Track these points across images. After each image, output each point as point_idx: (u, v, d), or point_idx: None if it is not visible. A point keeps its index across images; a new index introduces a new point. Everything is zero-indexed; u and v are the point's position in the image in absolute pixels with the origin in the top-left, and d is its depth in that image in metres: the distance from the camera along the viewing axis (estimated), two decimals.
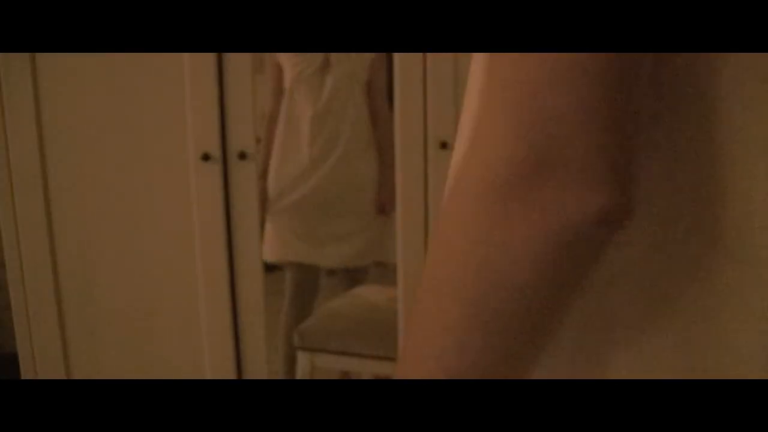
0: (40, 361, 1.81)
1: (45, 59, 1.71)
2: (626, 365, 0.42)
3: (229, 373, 1.89)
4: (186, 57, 1.74)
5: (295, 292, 2.49)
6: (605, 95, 0.34)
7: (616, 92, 0.34)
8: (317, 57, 2.31)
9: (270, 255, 2.41)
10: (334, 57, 2.31)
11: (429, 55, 1.82)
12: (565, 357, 0.44)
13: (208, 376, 1.89)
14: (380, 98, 2.36)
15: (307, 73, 2.32)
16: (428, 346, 0.39)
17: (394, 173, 1.94)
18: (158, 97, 1.76)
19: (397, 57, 1.84)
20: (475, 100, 0.51)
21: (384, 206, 2.37)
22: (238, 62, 1.78)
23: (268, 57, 2.45)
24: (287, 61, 2.35)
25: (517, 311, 0.37)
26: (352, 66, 2.31)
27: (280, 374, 2.34)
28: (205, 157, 1.78)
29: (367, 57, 2.32)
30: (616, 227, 0.36)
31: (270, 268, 2.28)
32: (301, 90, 2.33)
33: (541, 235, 0.35)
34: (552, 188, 0.34)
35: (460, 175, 0.37)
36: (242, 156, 1.81)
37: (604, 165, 0.34)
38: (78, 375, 1.85)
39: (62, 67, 1.72)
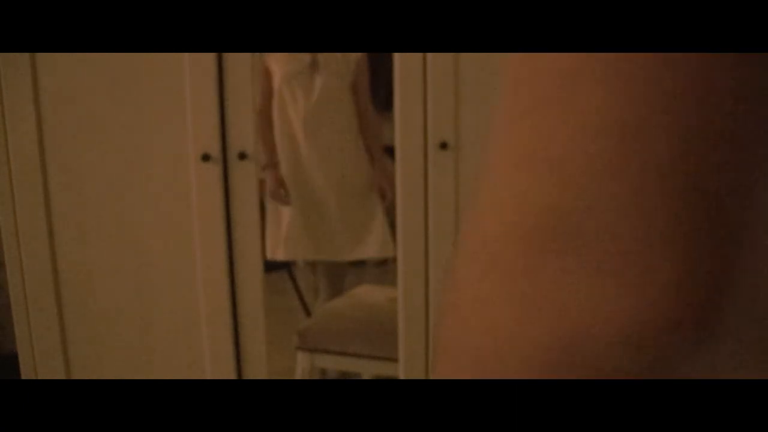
0: (40, 361, 1.81)
1: (45, 59, 1.71)
2: None
3: (229, 373, 1.89)
4: (186, 57, 1.74)
5: (329, 284, 2.58)
6: (683, 110, 0.20)
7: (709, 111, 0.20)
8: (305, 57, 2.35)
9: (279, 254, 2.45)
10: (322, 57, 2.35)
11: (429, 55, 1.82)
12: None
13: (208, 376, 1.89)
14: (365, 98, 2.41)
15: (297, 74, 2.35)
16: None
17: (385, 164, 1.95)
18: (158, 97, 1.76)
19: (397, 57, 1.84)
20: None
21: (383, 191, 2.40)
22: (238, 62, 1.78)
23: (257, 58, 2.46)
24: (275, 63, 2.38)
25: None
26: (338, 66, 2.34)
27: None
28: (205, 157, 1.78)
29: (352, 59, 2.36)
30: (692, 340, 0.20)
31: (270, 268, 2.28)
32: (291, 90, 2.37)
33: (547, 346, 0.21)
34: (571, 272, 0.21)
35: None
36: (242, 156, 1.81)
37: (671, 253, 0.20)
38: (78, 375, 1.85)
39: (62, 67, 1.72)
